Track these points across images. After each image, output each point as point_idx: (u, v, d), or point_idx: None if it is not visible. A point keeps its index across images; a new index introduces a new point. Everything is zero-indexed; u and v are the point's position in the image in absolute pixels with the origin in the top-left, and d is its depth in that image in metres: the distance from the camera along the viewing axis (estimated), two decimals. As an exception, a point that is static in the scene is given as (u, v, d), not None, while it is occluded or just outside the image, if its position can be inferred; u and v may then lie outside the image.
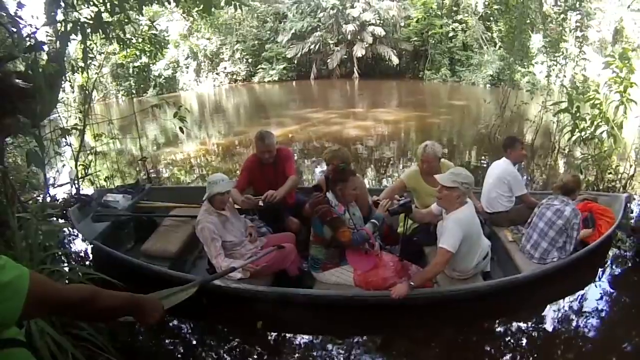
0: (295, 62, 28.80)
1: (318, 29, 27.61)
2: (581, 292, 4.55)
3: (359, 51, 26.22)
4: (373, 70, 28.57)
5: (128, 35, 7.29)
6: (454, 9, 25.64)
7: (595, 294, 4.51)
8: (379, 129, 13.74)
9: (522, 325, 4.09)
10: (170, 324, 4.17)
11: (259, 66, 29.35)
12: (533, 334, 3.98)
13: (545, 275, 4.33)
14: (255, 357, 3.82)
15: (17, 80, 4.35)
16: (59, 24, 5.33)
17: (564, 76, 10.48)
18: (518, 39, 11.52)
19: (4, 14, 4.52)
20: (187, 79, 28.09)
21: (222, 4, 5.71)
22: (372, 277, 4.03)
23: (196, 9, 6.71)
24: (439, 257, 3.80)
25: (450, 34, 25.31)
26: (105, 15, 5.34)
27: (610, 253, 5.26)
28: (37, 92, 4.23)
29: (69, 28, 4.88)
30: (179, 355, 3.92)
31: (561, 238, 4.33)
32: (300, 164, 10.13)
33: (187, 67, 28.15)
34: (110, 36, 5.81)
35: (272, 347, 3.91)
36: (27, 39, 4.53)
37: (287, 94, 25.53)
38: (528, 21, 11.53)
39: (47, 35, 5.82)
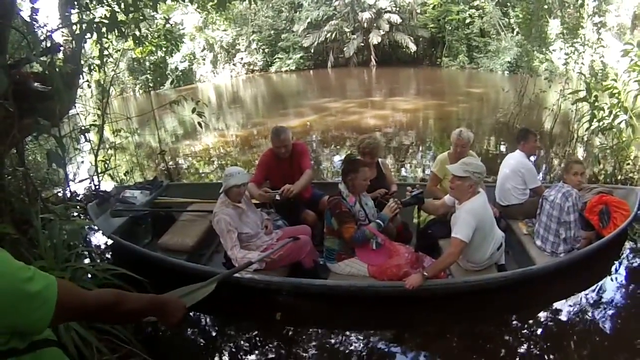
0: (312, 51, 28.90)
1: (334, 18, 27.61)
2: (596, 285, 4.49)
3: (375, 39, 26.18)
4: (390, 58, 28.48)
5: (144, 31, 7.38)
6: (471, -6, 25.37)
7: (610, 287, 4.45)
8: (397, 117, 13.70)
9: (537, 317, 4.08)
10: (191, 315, 4.25)
11: (276, 56, 29.49)
12: (547, 327, 3.96)
13: (560, 267, 4.31)
14: (274, 347, 3.89)
15: (35, 84, 4.43)
16: (74, 25, 5.39)
17: (582, 64, 10.29)
18: (535, 26, 11.36)
19: (18, 18, 4.59)
20: (204, 71, 28.30)
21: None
22: (386, 266, 4.05)
23: (210, 3, 6.71)
24: (452, 247, 3.81)
25: (467, 20, 25.07)
26: (119, 14, 5.40)
27: (627, 246, 5.17)
28: (56, 94, 4.30)
29: (84, 28, 4.95)
30: (200, 346, 4.00)
31: (561, 228, 4.30)
32: (319, 154, 10.22)
33: (204, 59, 28.30)
34: (126, 34, 5.88)
35: (289, 338, 3.96)
36: (44, 41, 4.62)
37: (304, 83, 25.58)
38: (545, 7, 11.33)
39: (62, 35, 5.88)
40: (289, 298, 4.25)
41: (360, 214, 4.17)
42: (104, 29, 5.17)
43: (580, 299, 4.30)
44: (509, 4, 22.82)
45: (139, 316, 1.83)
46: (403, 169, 8.94)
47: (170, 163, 10.07)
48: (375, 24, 26.45)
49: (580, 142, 9.42)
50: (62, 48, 5.32)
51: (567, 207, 4.24)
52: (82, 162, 9.87)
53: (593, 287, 4.45)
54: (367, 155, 4.82)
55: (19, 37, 4.86)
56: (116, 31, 5.26)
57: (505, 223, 5.11)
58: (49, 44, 4.67)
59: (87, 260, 4.81)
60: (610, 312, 4.11)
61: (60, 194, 6.88)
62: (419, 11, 27.42)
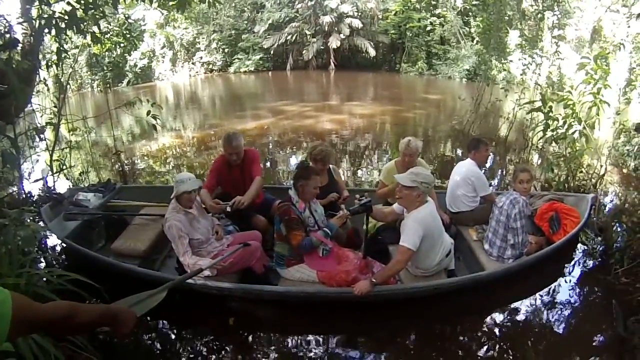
0: (272, 52, 28.75)
1: (295, 20, 27.57)
2: (548, 288, 4.70)
3: (334, 42, 26.28)
4: (349, 62, 28.63)
5: (103, 28, 7.27)
6: (433, 2, 25.64)
7: (562, 290, 4.68)
8: (353, 122, 13.85)
9: (487, 322, 4.23)
10: (147, 320, 4.22)
11: (235, 56, 29.24)
12: (497, 331, 4.12)
13: (509, 273, 4.46)
14: (229, 352, 3.94)
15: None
16: (33, 20, 5.28)
17: (539, 75, 10.62)
18: (494, 36, 11.63)
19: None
20: (163, 69, 27.85)
21: (197, 2, 5.70)
22: (335, 272, 4.13)
23: (171, 3, 6.65)
24: (400, 255, 3.89)
25: (428, 28, 25.41)
26: (79, 11, 5.31)
27: (578, 252, 5.41)
28: (12, 92, 4.20)
29: (43, 23, 4.86)
30: (155, 351, 4.01)
31: (509, 234, 4.47)
32: (273, 157, 10.30)
33: (163, 57, 27.88)
34: (85, 31, 5.78)
35: (243, 343, 4.02)
36: (1, 36, 4.51)
37: (262, 85, 25.54)
38: (506, 18, 11.63)
39: (22, 29, 5.74)
40: (242, 303, 4.30)
41: (309, 220, 4.25)
42: (62, 25, 5.08)
43: (532, 301, 4.51)
44: (470, 13, 23.27)
45: (92, 327, 1.92)
46: (359, 172, 9.09)
47: (126, 163, 9.96)
48: (336, 28, 26.57)
49: (535, 149, 9.74)
50: (20, 44, 5.20)
51: (513, 214, 4.41)
52: (37, 160, 9.60)
53: (544, 291, 4.67)
54: (318, 162, 4.91)
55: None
56: (75, 28, 5.17)
57: (455, 229, 5.27)
58: (7, 40, 4.57)
59: (42, 265, 4.83)
60: (562, 313, 4.34)
61: (14, 194, 6.71)
62: (380, 17, 27.65)
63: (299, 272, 4.25)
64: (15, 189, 6.90)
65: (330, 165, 5.23)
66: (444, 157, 9.89)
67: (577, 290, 4.75)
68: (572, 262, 5.22)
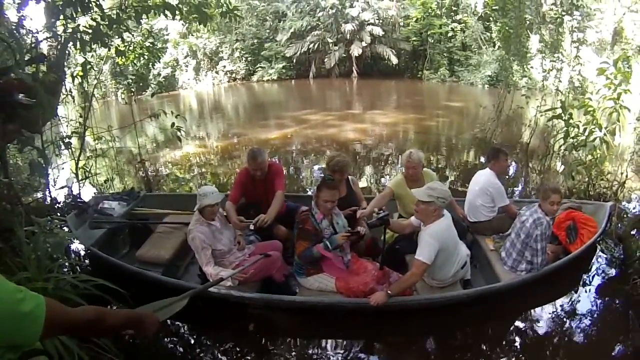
0: (294, 61, 28.95)
1: (317, 28, 27.71)
2: (563, 299, 4.64)
3: (356, 50, 26.31)
4: (372, 70, 28.63)
5: (127, 38, 7.48)
6: (454, 8, 25.67)
7: (578, 302, 4.60)
8: (376, 131, 13.82)
9: (503, 332, 4.23)
10: (169, 324, 4.36)
11: (258, 65, 29.51)
12: (513, 341, 4.10)
13: (525, 284, 4.43)
14: (247, 357, 4.02)
15: (19, 95, 4.49)
16: (59, 34, 5.47)
17: (560, 81, 10.51)
18: (514, 42, 11.57)
19: (4, 26, 4.66)
20: (187, 78, 28.24)
21: (218, 17, 5.83)
22: (353, 283, 4.18)
23: (193, 16, 6.79)
24: (415, 268, 3.96)
25: (450, 34, 25.41)
26: (103, 27, 5.49)
27: (596, 261, 5.33)
28: (40, 105, 4.37)
29: (67, 38, 5.04)
30: (177, 354, 4.13)
31: (527, 251, 4.40)
32: (296, 166, 10.39)
33: (187, 66, 28.25)
34: (109, 44, 5.96)
35: (262, 349, 4.09)
36: (29, 51, 4.71)
37: (285, 93, 25.73)
38: (527, 22, 11.54)
39: (47, 42, 5.93)
40: (262, 311, 4.36)
41: (326, 230, 4.29)
42: (87, 38, 5.25)
43: (549, 311, 4.46)
44: (491, 18, 23.17)
45: (118, 330, 1.99)
46: (382, 180, 9.05)
47: (151, 170, 10.17)
48: (357, 36, 26.63)
49: (557, 157, 9.57)
50: (46, 58, 5.38)
51: (535, 235, 4.32)
52: (63, 168, 9.84)
53: (561, 301, 4.61)
54: (336, 172, 4.94)
55: (5, 45, 4.91)
56: (99, 42, 5.34)
57: (472, 237, 5.27)
58: (34, 54, 4.75)
59: (69, 271, 4.90)
60: (579, 324, 4.28)
61: (41, 199, 6.91)
62: (401, 24, 27.67)
63: (317, 281, 4.32)
64: (41, 195, 7.11)
65: (350, 177, 5.28)
66: (466, 166, 9.80)
67: (595, 300, 4.67)
68: (590, 272, 5.13)
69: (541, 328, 4.25)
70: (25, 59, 4.63)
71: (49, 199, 6.87)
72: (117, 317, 1.87)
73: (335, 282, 4.24)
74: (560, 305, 4.56)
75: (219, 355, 4.08)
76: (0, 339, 1.37)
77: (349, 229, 4.33)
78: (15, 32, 4.59)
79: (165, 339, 4.27)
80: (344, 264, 4.34)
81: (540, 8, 12.04)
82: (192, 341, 4.32)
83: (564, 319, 4.35)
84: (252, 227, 4.75)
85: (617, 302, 4.69)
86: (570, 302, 4.60)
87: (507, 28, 11.70)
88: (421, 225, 4.17)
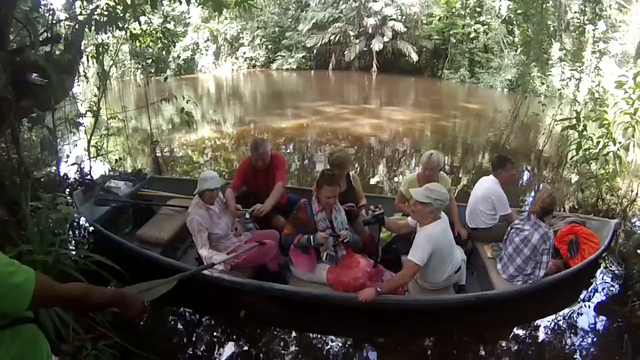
0: (315, 51, 29.00)
1: (339, 20, 27.68)
2: (558, 315, 4.55)
3: (377, 45, 26.22)
4: (392, 66, 28.48)
5: (143, 24, 7.57)
6: (477, 9, 25.42)
7: (572, 318, 4.51)
8: (389, 128, 13.79)
9: (491, 342, 4.18)
10: (165, 306, 4.46)
11: (278, 53, 29.62)
12: (501, 352, 4.08)
13: (519, 294, 4.40)
14: (236, 342, 4.12)
15: (33, 75, 4.58)
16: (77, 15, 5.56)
17: (578, 90, 10.38)
18: (534, 49, 11.44)
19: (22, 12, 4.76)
20: (206, 62, 28.39)
21: (233, 5, 5.88)
22: (344, 276, 4.22)
23: (208, 3, 6.81)
24: (406, 269, 3.98)
25: (472, 35, 25.15)
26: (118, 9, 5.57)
27: (596, 278, 5.22)
28: (52, 85, 4.47)
29: (83, 20, 5.12)
30: (170, 334, 4.23)
31: (528, 266, 4.34)
32: (302, 158, 10.43)
33: (207, 50, 28.35)
34: (124, 28, 6.03)
35: (251, 335, 4.18)
36: (46, 31, 4.80)
37: (304, 83, 25.77)
38: (552, 28, 11.42)
39: (65, 23, 6.02)
40: (254, 298, 4.43)
41: (321, 223, 4.36)
42: (103, 20, 5.33)
43: (542, 325, 4.40)
44: (515, 22, 22.86)
45: (103, 308, 2.15)
46: (390, 178, 9.02)
47: (166, 151, 10.35)
48: (379, 31, 26.54)
49: (569, 168, 9.38)
50: (61, 39, 5.47)
51: (541, 249, 4.27)
52: (76, 145, 9.97)
53: (555, 315, 4.54)
54: (336, 167, 4.95)
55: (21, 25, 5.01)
56: (114, 26, 5.41)
57: (472, 245, 5.23)
58: (52, 34, 4.84)
59: (71, 246, 5.04)
60: (571, 341, 4.22)
61: (52, 174, 7.07)
62: (424, 21, 27.49)
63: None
64: (53, 170, 7.25)
65: (351, 173, 5.30)
66: (476, 170, 9.71)
67: (590, 318, 4.55)
68: (589, 289, 5.02)
69: (532, 341, 4.20)
70: (42, 39, 4.74)
71: (59, 175, 6.98)
72: (103, 296, 1.99)
73: (327, 275, 4.29)
74: (555, 320, 4.49)
75: (210, 336, 4.19)
76: None
77: (329, 232, 4.34)
78: (29, 14, 4.68)
79: (161, 320, 4.37)
80: (321, 260, 4.41)
81: (565, 15, 11.85)
82: (186, 323, 4.41)
83: (557, 335, 4.28)
84: (247, 215, 4.83)
85: (614, 323, 4.57)
86: (565, 318, 4.52)
87: (527, 33, 11.56)
88: (417, 226, 4.18)
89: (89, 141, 7.50)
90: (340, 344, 4.10)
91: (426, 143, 12.16)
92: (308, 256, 4.38)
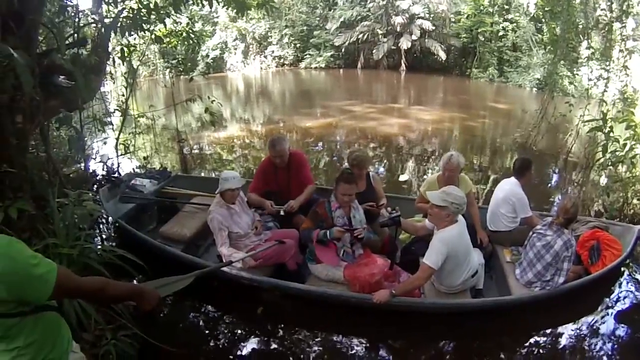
0: (343, 50, 28.99)
1: (367, 19, 27.63)
2: (578, 323, 4.40)
3: (405, 43, 26.07)
4: (420, 64, 28.29)
5: (171, 25, 7.75)
6: (505, 7, 25.05)
7: (593, 328, 4.34)
8: (416, 128, 13.67)
9: (507, 348, 4.11)
10: (186, 301, 4.60)
11: (307, 52, 29.72)
12: (518, 356, 4.02)
13: (537, 300, 4.33)
14: (253, 338, 4.20)
15: (60, 78, 4.76)
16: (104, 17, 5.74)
17: (606, 90, 10.12)
18: (561, 47, 11.21)
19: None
20: (235, 61, 28.67)
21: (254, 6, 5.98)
22: (360, 272, 4.26)
23: (232, 5, 6.90)
24: (420, 272, 3.97)
25: (500, 33, 24.78)
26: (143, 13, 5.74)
27: (619, 286, 5.03)
28: (79, 88, 4.64)
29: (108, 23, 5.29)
30: (189, 328, 4.37)
31: (548, 272, 4.26)
32: (326, 158, 10.41)
33: (235, 49, 28.62)
34: (149, 30, 6.20)
35: (268, 332, 4.25)
36: (72, 35, 4.98)
37: (332, 82, 25.81)
38: (581, 26, 11.17)
39: (93, 26, 6.21)
40: (272, 295, 4.52)
41: (339, 219, 4.42)
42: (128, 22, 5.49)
43: (560, 333, 4.28)
44: (543, 20, 22.49)
45: (120, 301, 2.43)
46: (414, 178, 8.98)
47: (194, 148, 10.61)
48: (407, 29, 26.37)
49: (596, 171, 9.02)
50: (87, 43, 5.64)
51: (563, 256, 4.19)
52: (105, 143, 10.22)
53: (575, 325, 4.39)
54: (354, 167, 4.99)
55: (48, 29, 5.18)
56: (139, 28, 5.56)
57: (491, 248, 5.16)
58: (77, 37, 5.01)
59: (97, 240, 5.37)
60: (590, 350, 4.09)
61: (81, 171, 7.31)
62: (452, 19, 27.25)
63: (326, 269, 4.45)
64: (82, 165, 7.48)
65: (370, 172, 5.34)
66: (504, 171, 9.48)
67: (611, 327, 4.36)
68: (610, 297, 4.84)
69: (551, 349, 4.08)
70: (69, 42, 4.92)
71: (88, 171, 7.19)
72: (121, 289, 2.14)
73: (343, 271, 4.34)
74: (574, 328, 4.35)
75: (228, 332, 4.30)
76: (13, 294, 1.67)
77: (346, 227, 4.41)
78: (54, 18, 4.86)
79: (181, 313, 4.50)
80: (338, 256, 4.47)
81: (594, 13, 11.54)
82: (205, 317, 4.53)
83: (576, 343, 4.16)
84: (282, 212, 4.98)
85: (636, 333, 4.39)
86: (585, 326, 4.37)
87: (554, 31, 11.32)
88: (434, 229, 4.17)
89: (117, 139, 7.71)
90: (354, 344, 4.12)
91: (454, 143, 12.05)
92: (330, 249, 4.45)
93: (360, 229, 4.37)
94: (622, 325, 4.42)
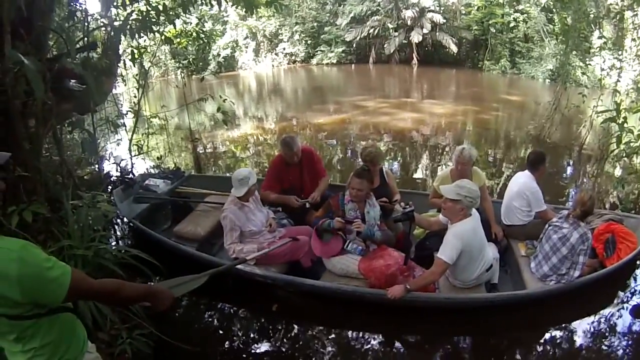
0: (354, 45, 28.96)
1: (377, 13, 27.54)
2: (593, 317, 4.36)
3: (416, 37, 25.93)
4: (432, 57, 28.08)
5: (181, 25, 7.81)
6: (516, -3, 24.81)
7: (608, 322, 4.29)
8: (430, 122, 13.58)
9: (523, 342, 4.12)
10: (200, 299, 4.67)
11: (318, 48, 29.67)
12: (532, 353, 3.99)
13: (552, 294, 4.29)
14: (269, 335, 4.24)
15: (71, 82, 4.82)
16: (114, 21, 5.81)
17: (619, 81, 9.99)
18: (572, 37, 11.07)
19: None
20: (246, 59, 28.77)
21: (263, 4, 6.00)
22: (375, 264, 4.26)
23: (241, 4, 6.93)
24: (435, 267, 3.96)
25: (512, 24, 24.45)
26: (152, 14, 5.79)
27: (634, 280, 4.94)
28: (90, 91, 4.70)
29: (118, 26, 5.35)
30: (204, 326, 4.42)
31: (563, 265, 4.22)
32: (338, 154, 10.40)
33: (246, 47, 28.70)
34: (158, 32, 6.25)
35: (283, 328, 4.30)
36: (82, 39, 5.05)
37: (344, 78, 25.73)
38: (592, 15, 11.01)
39: (103, 29, 6.28)
40: (286, 292, 4.57)
41: (351, 213, 4.46)
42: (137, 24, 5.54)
43: (575, 328, 4.24)
44: (554, 10, 22.21)
45: (135, 302, 2.40)
46: (427, 172, 9.01)
47: (208, 147, 10.69)
48: (418, 23, 26.22)
49: (610, 162, 8.96)
50: (97, 46, 5.71)
51: (579, 249, 4.16)
52: (119, 144, 10.32)
53: (590, 319, 4.35)
54: (368, 163, 5.00)
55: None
56: (148, 30, 5.61)
57: (506, 242, 5.13)
58: (87, 41, 5.08)
59: (112, 241, 5.40)
60: (605, 343, 4.05)
61: (95, 172, 7.42)
62: (462, 12, 27.02)
63: (340, 262, 4.45)
64: (96, 167, 7.57)
65: (384, 168, 5.34)
66: (518, 164, 9.35)
67: (627, 322, 4.31)
68: (625, 291, 4.79)
69: (565, 343, 4.05)
70: (79, 46, 4.98)
71: (102, 172, 7.27)
72: (135, 291, 2.14)
73: (358, 264, 4.35)
74: (589, 322, 4.30)
75: (243, 328, 4.35)
76: (28, 296, 1.70)
77: (346, 217, 4.45)
78: (63, 23, 4.93)
79: (196, 311, 4.56)
80: (344, 249, 4.49)
81: (605, 1, 11.37)
82: (221, 315, 4.59)
83: (591, 337, 4.12)
84: (307, 205, 5.09)
85: None
86: (600, 320, 4.33)
87: (565, 21, 11.19)
88: (448, 223, 4.15)
89: (130, 140, 7.77)
90: (369, 339, 4.14)
91: (467, 137, 11.95)
92: (324, 242, 4.47)
93: (359, 222, 4.38)
94: (636, 320, 4.36)
